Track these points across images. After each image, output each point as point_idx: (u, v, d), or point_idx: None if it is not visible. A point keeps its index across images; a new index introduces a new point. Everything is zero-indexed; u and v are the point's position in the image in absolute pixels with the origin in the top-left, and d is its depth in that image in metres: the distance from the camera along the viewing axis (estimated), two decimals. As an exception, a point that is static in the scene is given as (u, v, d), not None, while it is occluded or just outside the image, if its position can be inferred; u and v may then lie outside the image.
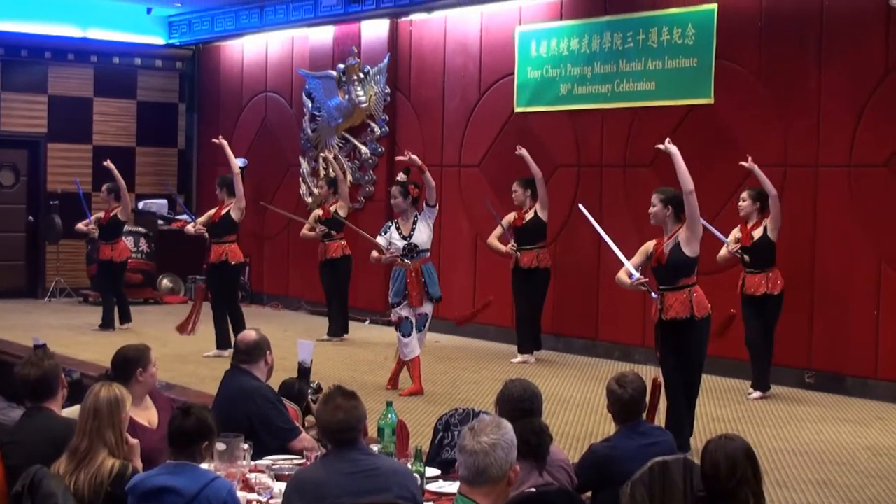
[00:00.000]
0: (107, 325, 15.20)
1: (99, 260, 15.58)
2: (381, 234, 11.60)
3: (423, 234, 11.41)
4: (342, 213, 14.70)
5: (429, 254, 11.58)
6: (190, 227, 14.00)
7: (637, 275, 9.05)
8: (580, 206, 10.87)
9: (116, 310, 15.37)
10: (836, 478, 8.48)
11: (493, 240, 13.55)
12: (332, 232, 14.62)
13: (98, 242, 15.78)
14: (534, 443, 5.06)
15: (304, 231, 15.06)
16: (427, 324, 11.58)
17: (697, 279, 9.11)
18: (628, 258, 9.26)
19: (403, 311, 11.34)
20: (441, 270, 13.01)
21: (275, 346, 7.10)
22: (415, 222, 11.43)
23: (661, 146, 9.27)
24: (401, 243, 11.35)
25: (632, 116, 13.68)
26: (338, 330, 14.77)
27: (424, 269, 11.43)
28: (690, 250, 8.94)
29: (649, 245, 9.20)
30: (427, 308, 11.47)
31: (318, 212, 15.06)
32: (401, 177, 12.00)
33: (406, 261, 11.30)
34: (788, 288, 11.41)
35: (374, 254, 11.57)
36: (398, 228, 11.45)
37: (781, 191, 11.74)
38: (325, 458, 5.26)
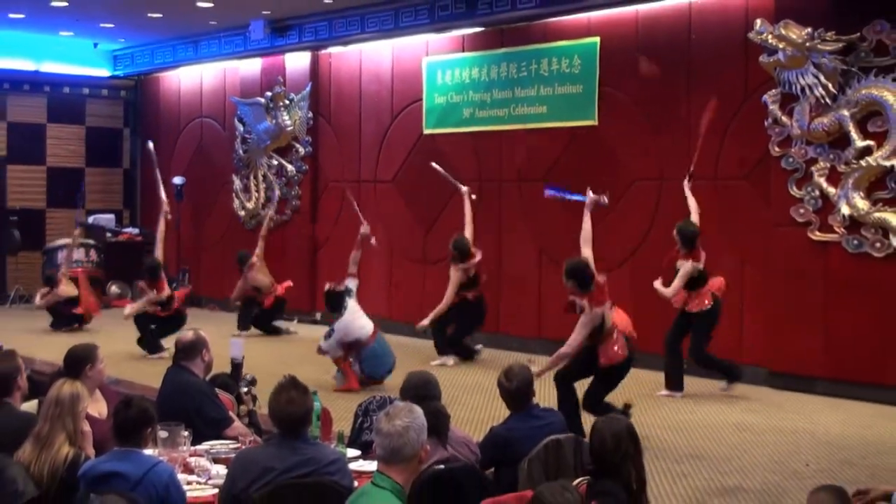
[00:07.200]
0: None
1: None
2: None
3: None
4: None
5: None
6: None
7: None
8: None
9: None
10: (707, 450, 8.60)
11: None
12: None
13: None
14: (432, 422, 5.06)
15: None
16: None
17: None
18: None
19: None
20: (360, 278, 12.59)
21: (212, 344, 6.99)
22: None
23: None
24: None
25: (526, 137, 13.75)
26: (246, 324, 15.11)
27: None
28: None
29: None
30: None
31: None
32: None
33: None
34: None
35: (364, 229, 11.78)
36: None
37: (658, 201, 11.84)
38: (271, 442, 5.21)
